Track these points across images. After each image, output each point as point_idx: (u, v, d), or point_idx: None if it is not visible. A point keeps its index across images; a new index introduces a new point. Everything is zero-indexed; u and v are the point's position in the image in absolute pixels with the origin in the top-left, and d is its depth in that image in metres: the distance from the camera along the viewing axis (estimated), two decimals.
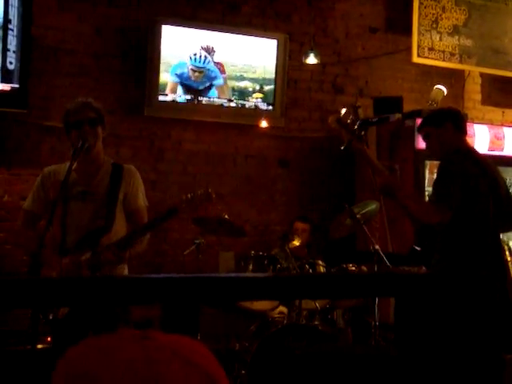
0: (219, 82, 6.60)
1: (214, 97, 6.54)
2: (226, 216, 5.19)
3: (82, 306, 3.32)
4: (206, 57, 6.55)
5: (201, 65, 6.52)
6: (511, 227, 4.59)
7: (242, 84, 6.67)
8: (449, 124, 3.97)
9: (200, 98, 6.48)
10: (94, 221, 3.78)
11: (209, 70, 6.57)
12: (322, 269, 5.31)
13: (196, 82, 6.52)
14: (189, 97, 6.44)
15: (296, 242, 5.48)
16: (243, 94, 6.68)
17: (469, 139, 4.38)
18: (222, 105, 6.59)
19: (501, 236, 4.09)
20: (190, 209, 3.83)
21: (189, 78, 6.49)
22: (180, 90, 6.47)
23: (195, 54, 6.47)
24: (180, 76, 6.44)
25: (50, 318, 3.60)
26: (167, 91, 6.40)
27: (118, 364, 1.03)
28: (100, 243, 3.69)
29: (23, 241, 4.03)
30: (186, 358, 1.07)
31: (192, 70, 6.50)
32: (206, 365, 1.09)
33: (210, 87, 6.60)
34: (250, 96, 6.69)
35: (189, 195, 3.81)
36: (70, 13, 6.13)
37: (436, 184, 3.87)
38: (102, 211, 3.80)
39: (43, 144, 6.00)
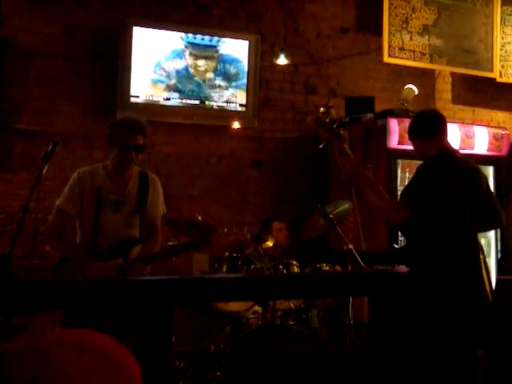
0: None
1: (186, 98, 6.51)
2: (199, 217, 5.16)
3: (76, 310, 3.38)
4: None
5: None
6: (492, 226, 4.67)
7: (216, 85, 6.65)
8: (415, 136, 4.04)
9: (172, 99, 6.45)
10: (124, 229, 3.97)
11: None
12: (296, 269, 5.31)
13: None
14: (165, 97, 6.41)
15: (270, 243, 5.46)
16: (215, 95, 6.66)
17: None
18: (194, 106, 6.57)
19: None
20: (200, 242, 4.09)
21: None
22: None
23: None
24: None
25: None
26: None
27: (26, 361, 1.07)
28: (132, 251, 3.90)
29: (56, 242, 4.07)
30: (87, 348, 1.09)
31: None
32: (111, 353, 1.11)
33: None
34: (222, 97, 6.68)
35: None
36: (39, 14, 6.07)
37: (406, 188, 3.96)
38: (132, 220, 4.00)
39: (14, 147, 5.93)
